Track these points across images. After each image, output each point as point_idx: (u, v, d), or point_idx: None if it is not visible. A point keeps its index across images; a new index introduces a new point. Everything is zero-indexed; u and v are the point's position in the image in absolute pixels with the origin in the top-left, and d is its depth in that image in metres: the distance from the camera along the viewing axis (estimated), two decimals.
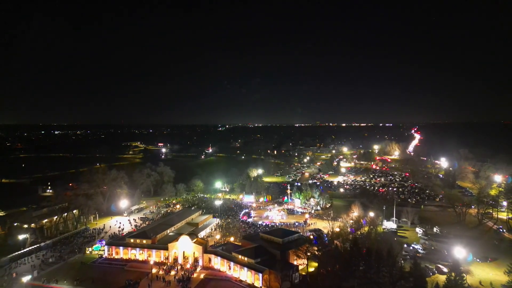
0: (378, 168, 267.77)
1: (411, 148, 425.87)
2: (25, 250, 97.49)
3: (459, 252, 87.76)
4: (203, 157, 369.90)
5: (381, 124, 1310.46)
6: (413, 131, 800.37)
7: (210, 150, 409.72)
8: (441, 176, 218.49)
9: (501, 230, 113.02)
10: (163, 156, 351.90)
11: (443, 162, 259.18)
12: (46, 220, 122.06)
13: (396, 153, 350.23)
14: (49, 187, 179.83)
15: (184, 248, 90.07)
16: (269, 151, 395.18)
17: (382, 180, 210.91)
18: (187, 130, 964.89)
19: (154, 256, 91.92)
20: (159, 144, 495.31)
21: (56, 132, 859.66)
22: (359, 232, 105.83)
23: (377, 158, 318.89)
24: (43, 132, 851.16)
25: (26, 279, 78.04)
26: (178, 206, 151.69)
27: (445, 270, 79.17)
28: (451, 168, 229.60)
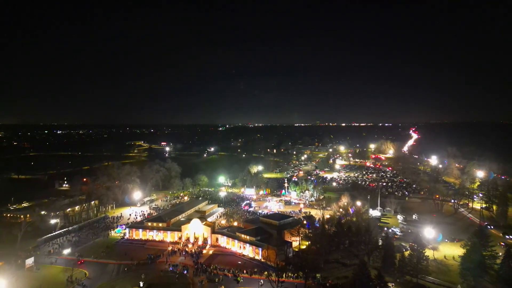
0: (371, 165, 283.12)
1: (407, 147, 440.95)
2: (56, 232, 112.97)
3: (429, 233, 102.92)
4: (205, 155, 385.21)
5: (380, 124, 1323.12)
6: (411, 131, 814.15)
7: (212, 149, 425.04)
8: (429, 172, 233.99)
9: (489, 227, 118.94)
10: (167, 155, 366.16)
11: (433, 160, 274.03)
12: (69, 209, 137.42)
13: (390, 152, 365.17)
14: (65, 182, 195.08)
15: (195, 230, 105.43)
16: (268, 150, 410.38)
17: (374, 176, 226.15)
18: (188, 130, 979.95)
19: (169, 237, 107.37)
20: (162, 143, 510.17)
21: (58, 132, 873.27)
22: (347, 218, 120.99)
23: (372, 156, 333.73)
24: (46, 131, 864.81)
25: (67, 251, 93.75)
26: (185, 198, 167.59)
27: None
28: (440, 165, 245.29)
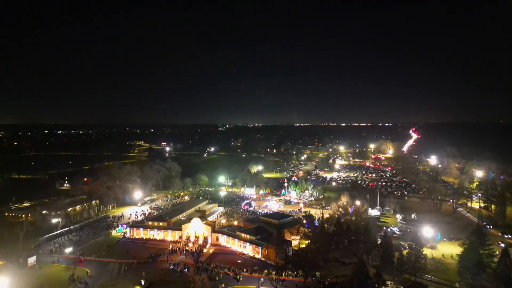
0: (371, 165, 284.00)
1: (406, 147, 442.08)
2: (57, 232, 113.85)
3: (428, 232, 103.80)
4: (205, 155, 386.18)
5: (380, 124, 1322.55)
6: (411, 131, 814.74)
7: (212, 149, 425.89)
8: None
9: (488, 226, 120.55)
10: (167, 155, 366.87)
11: (433, 160, 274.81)
12: (70, 208, 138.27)
13: (390, 152, 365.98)
14: (66, 182, 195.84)
15: (196, 229, 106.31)
16: (268, 150, 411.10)
17: (373, 176, 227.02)
18: (188, 130, 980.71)
19: (170, 236, 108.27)
20: (162, 143, 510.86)
21: (59, 132, 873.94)
22: (346, 218, 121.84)
23: (372, 156, 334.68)
24: (46, 131, 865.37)
25: (68, 250, 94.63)
26: (186, 197, 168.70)
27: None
28: (439, 165, 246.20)
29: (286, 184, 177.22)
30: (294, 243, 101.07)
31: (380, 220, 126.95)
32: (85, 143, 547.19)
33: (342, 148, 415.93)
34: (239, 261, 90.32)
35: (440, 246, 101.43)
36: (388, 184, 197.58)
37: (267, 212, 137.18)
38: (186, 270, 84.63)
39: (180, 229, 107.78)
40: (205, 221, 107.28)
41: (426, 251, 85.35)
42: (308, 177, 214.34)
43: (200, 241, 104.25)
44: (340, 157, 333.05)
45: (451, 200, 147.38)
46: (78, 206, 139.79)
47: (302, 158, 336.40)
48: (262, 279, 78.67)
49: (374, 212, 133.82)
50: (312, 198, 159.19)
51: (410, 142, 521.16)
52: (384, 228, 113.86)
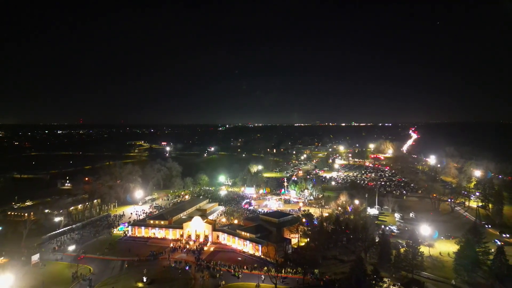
0: (370, 165, 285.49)
1: (406, 147, 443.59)
2: (60, 230, 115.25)
3: (426, 230, 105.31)
4: (206, 155, 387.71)
5: (380, 124, 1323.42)
6: (410, 130, 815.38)
7: (212, 149, 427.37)
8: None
9: (486, 226, 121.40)
10: (167, 154, 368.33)
11: (432, 160, 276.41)
12: (72, 207, 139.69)
13: (389, 151, 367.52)
14: (68, 181, 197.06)
15: (196, 227, 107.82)
16: (268, 149, 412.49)
17: (373, 175, 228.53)
18: (188, 130, 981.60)
19: (171, 234, 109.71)
20: (162, 143, 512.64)
21: (59, 132, 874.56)
22: (345, 217, 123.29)
23: (371, 156, 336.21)
24: (46, 131, 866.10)
25: (71, 248, 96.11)
26: (186, 196, 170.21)
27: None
28: (438, 165, 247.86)
29: (285, 184, 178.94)
30: (294, 241, 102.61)
31: (379, 218, 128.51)
32: (85, 143, 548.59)
33: (341, 148, 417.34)
34: (240, 259, 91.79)
35: (438, 244, 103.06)
36: (387, 183, 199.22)
37: (267, 211, 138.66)
38: (187, 268, 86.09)
39: (181, 228, 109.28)
40: (205, 220, 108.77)
41: (423, 249, 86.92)
42: (308, 176, 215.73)
43: (201, 240, 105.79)
44: (340, 157, 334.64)
45: (449, 199, 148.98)
46: (80, 205, 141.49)
47: (302, 158, 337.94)
48: (262, 276, 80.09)
49: (372, 211, 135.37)
50: (312, 197, 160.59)
51: (410, 142, 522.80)
52: (382, 226, 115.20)
